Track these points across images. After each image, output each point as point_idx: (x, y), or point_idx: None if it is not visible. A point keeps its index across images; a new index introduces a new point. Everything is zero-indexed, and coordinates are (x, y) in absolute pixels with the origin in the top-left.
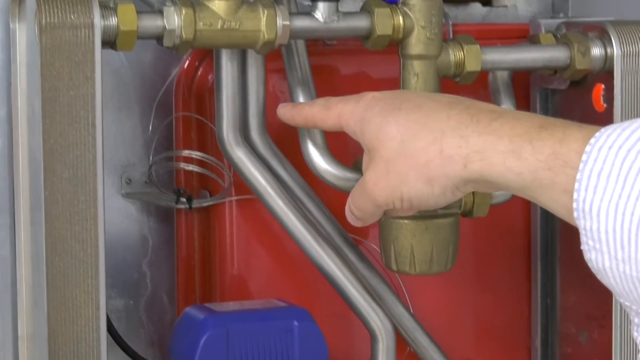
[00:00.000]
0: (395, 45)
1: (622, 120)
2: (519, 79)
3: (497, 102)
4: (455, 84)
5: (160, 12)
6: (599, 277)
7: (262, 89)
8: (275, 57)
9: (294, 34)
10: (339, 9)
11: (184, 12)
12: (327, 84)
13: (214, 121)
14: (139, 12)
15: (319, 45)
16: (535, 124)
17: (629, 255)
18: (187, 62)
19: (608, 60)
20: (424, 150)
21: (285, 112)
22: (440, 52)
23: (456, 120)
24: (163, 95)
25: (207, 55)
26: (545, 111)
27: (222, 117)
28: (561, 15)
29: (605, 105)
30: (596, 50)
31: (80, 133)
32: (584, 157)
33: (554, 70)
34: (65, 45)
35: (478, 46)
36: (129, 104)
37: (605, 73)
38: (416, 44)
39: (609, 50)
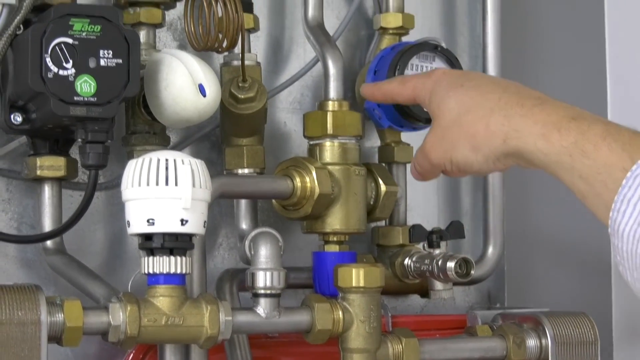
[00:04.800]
0: (336, 337)
1: None
2: None
3: None
4: None
5: (106, 308)
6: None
7: None
8: (218, 349)
9: (237, 329)
10: (280, 304)
11: (129, 308)
12: None
13: None
14: (84, 308)
15: (261, 337)
16: (568, 114)
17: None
18: (132, 355)
19: (543, 350)
20: (474, 123)
21: (367, 90)
22: (380, 345)
23: (505, 101)
24: None
25: (151, 348)
26: None
27: None
28: (497, 305)
29: None
30: (531, 341)
31: None
32: (624, 181)
33: None
34: (11, 341)
35: (416, 340)
36: None
37: None
38: (355, 338)
39: (543, 341)
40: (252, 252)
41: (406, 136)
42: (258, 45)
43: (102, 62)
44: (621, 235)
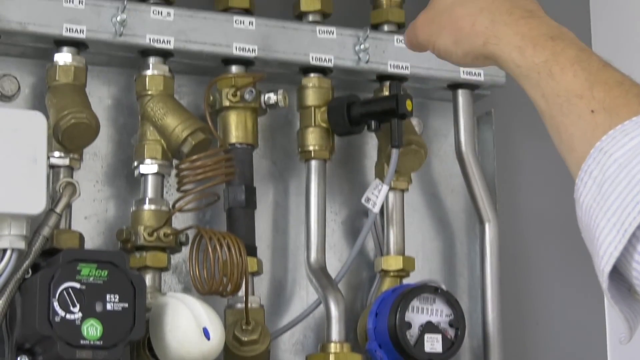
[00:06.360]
0: None
1: None
2: None
3: None
4: None
5: None
6: None
7: None
8: None
9: None
10: None
11: None
12: None
13: None
14: None
15: None
16: (549, 33)
17: (593, 251)
18: None
19: None
20: (462, 17)
21: None
22: None
23: (497, 6)
24: None
25: None
26: None
27: None
28: None
29: None
30: None
31: None
32: (592, 151)
33: None
34: None
35: None
36: None
37: None
38: None
39: None
40: None
41: None
42: (261, 288)
43: (109, 307)
44: (581, 205)
